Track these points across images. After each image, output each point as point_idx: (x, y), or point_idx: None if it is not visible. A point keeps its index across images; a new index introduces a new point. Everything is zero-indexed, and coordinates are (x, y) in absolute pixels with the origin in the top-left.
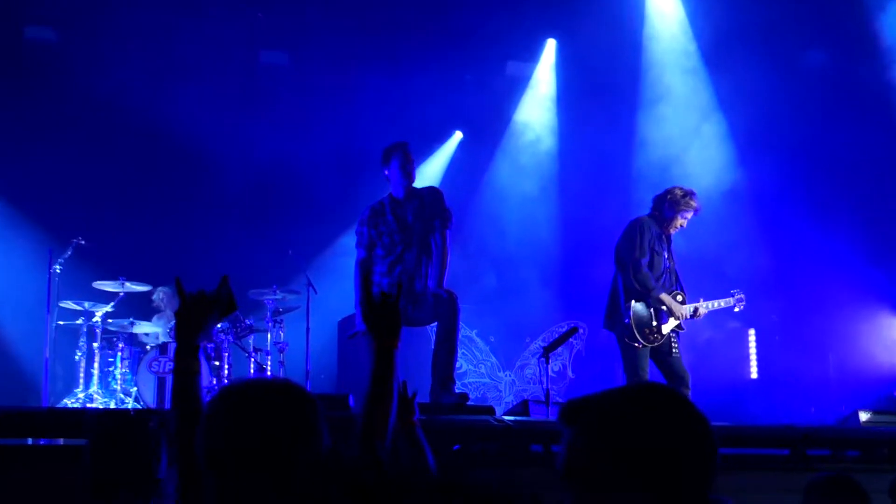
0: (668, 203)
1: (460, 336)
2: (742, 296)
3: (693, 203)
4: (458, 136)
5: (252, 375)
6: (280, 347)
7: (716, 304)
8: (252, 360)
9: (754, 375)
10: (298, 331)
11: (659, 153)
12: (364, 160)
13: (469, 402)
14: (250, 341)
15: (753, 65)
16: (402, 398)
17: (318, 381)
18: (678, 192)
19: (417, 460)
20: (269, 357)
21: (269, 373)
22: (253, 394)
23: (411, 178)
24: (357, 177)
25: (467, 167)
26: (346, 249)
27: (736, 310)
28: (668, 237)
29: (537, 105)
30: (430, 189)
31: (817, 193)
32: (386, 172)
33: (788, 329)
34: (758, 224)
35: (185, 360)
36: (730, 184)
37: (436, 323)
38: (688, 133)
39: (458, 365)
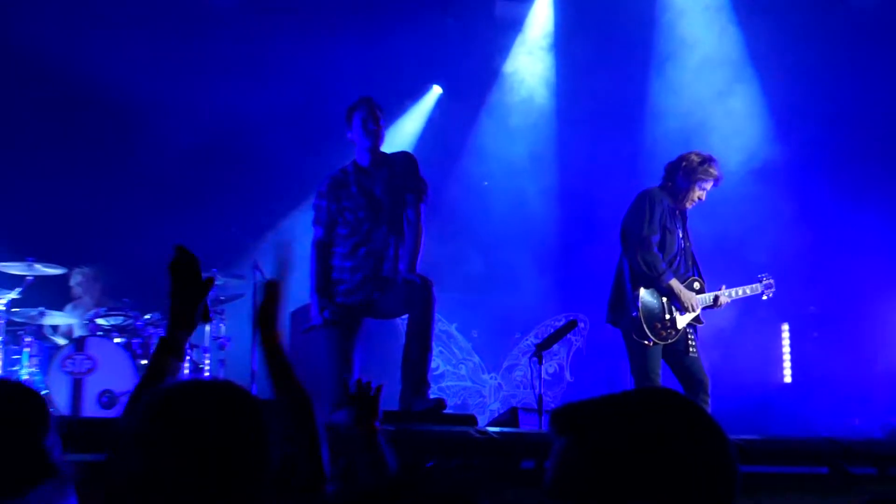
0: (683, 172)
1: (436, 331)
2: (771, 281)
3: (713, 171)
4: (436, 91)
5: (186, 377)
6: (220, 343)
7: (740, 292)
8: (188, 358)
9: (788, 379)
10: (243, 323)
11: (676, 116)
12: (326, 121)
13: (446, 410)
14: None
15: (792, 9)
16: (362, 397)
17: (266, 384)
18: (694, 158)
19: (377, 475)
20: (208, 354)
21: (207, 373)
22: (183, 401)
23: (377, 139)
24: (318, 142)
25: (447, 129)
26: (303, 227)
27: (764, 297)
28: (684, 213)
29: (531, 54)
30: (402, 155)
31: (867, 168)
32: (349, 135)
33: (829, 324)
34: (793, 201)
35: (169, 357)
36: (761, 156)
37: (407, 315)
38: (712, 95)
39: (433, 365)
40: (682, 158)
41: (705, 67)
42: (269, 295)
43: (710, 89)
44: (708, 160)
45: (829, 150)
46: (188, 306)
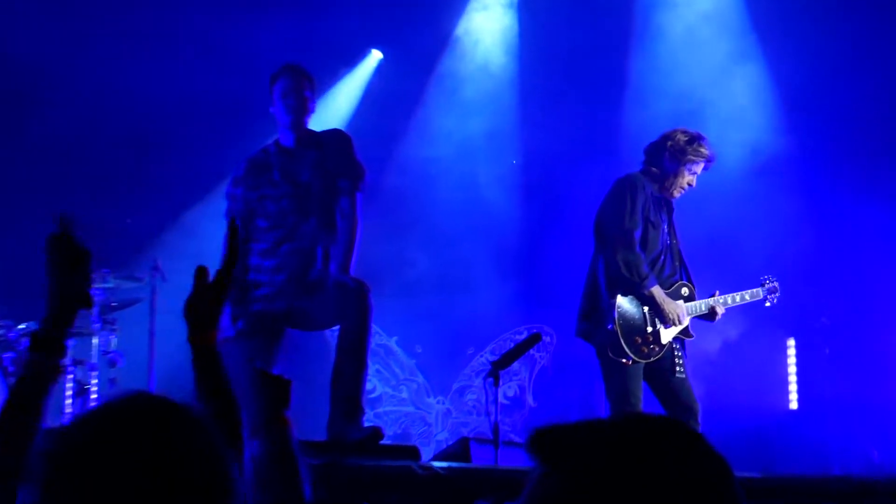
0: (670, 153)
1: (373, 345)
2: (775, 284)
3: (703, 150)
4: (375, 56)
5: (71, 399)
6: (111, 359)
7: (738, 298)
8: (70, 377)
9: (794, 405)
10: (139, 335)
11: (664, 89)
12: (244, 96)
13: (384, 440)
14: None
15: None
16: (266, 380)
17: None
18: (681, 137)
19: (286, 485)
20: (95, 373)
21: (93, 395)
22: (114, 432)
23: (302, 114)
24: (234, 120)
25: (388, 102)
26: (213, 221)
27: (767, 304)
28: (670, 203)
29: (487, 11)
30: (334, 134)
31: (885, 160)
32: (272, 109)
33: (842, 339)
34: (799, 195)
35: (43, 356)
36: (764, 142)
37: (338, 326)
38: (709, 66)
39: (369, 387)
40: (665, 137)
41: (701, 30)
42: (199, 283)
43: (707, 57)
44: (697, 138)
45: (841, 140)
46: (67, 288)
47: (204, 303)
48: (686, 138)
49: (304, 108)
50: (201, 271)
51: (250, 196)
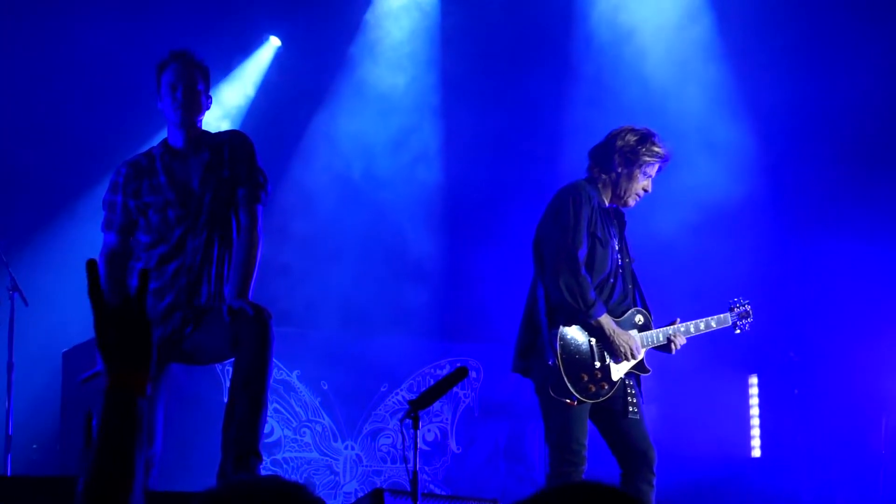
0: (620, 155)
1: (272, 381)
2: (747, 307)
3: (658, 149)
4: (272, 43)
5: None
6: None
7: (702, 326)
8: None
9: (756, 452)
10: None
11: (620, 93)
12: (122, 89)
13: None
14: None
15: None
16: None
17: (24, 456)
18: (630, 136)
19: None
20: None
21: None
22: None
23: (193, 111)
24: (117, 112)
25: (289, 95)
26: (87, 231)
27: (737, 331)
28: (622, 215)
29: None
30: (231, 136)
31: (860, 173)
32: (159, 105)
33: (814, 377)
34: (771, 213)
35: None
36: (726, 148)
37: (232, 358)
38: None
39: (266, 429)
40: (613, 137)
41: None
42: (96, 300)
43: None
44: (649, 135)
45: (815, 152)
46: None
47: (125, 328)
48: (636, 137)
49: (196, 103)
50: (95, 277)
51: (130, 204)
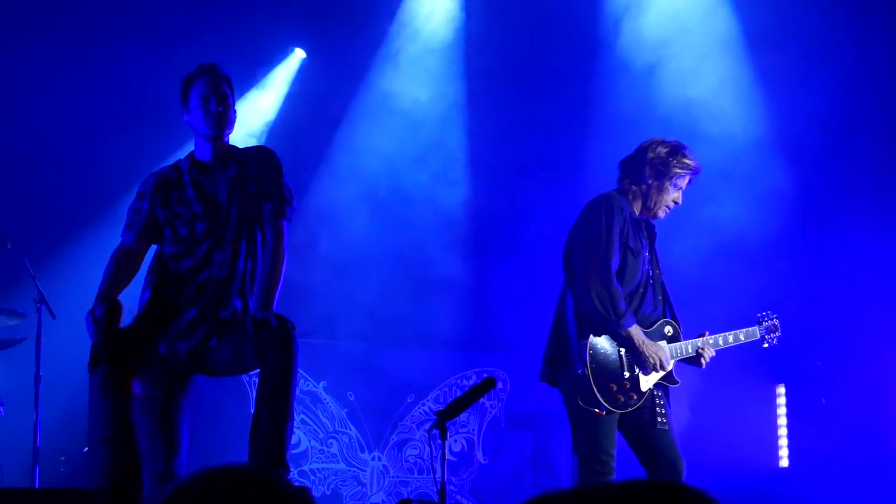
0: (651, 167)
1: (298, 392)
2: (775, 321)
3: (689, 161)
4: (297, 56)
5: None
6: None
7: (731, 339)
8: None
9: (784, 462)
10: (22, 381)
11: (641, 108)
12: (151, 102)
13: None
14: None
15: None
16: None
17: (52, 468)
18: (661, 148)
19: None
20: None
21: None
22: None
23: (223, 125)
24: (143, 128)
25: (313, 109)
26: (114, 243)
27: (765, 345)
28: (652, 227)
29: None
30: (258, 152)
31: (887, 182)
32: (185, 118)
33: (840, 386)
34: (798, 222)
35: None
36: (759, 165)
37: (257, 370)
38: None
39: (293, 440)
40: (644, 149)
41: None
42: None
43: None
44: (679, 147)
45: (846, 163)
46: None
47: None
48: (668, 149)
49: (227, 116)
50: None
51: (158, 213)
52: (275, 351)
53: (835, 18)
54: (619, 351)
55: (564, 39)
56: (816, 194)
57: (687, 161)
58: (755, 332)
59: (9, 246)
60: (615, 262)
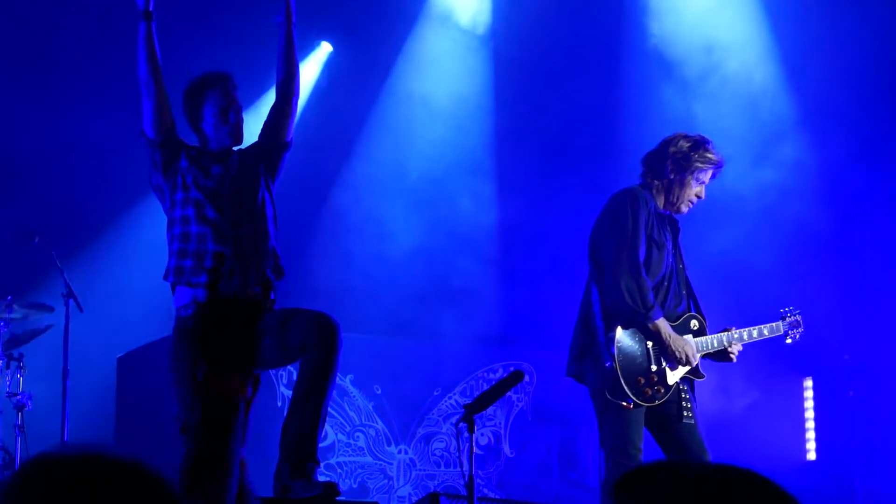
0: (673, 161)
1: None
2: (798, 318)
3: (711, 155)
4: (324, 49)
5: None
6: (18, 401)
7: (755, 333)
8: None
9: (811, 455)
10: (51, 374)
11: (668, 101)
12: (176, 99)
13: (341, 497)
14: None
15: None
16: None
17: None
18: (683, 142)
19: None
20: None
21: None
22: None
23: (241, 133)
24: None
25: (341, 102)
26: (142, 237)
27: (788, 340)
28: (675, 222)
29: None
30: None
31: None
32: (202, 125)
33: (868, 379)
34: (819, 205)
35: None
36: (783, 153)
37: (293, 364)
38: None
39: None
40: (666, 143)
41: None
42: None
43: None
44: (702, 142)
45: (875, 148)
46: None
47: None
48: (690, 143)
49: (241, 127)
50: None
51: (184, 167)
52: (320, 345)
53: None
54: (646, 344)
55: (592, 37)
56: (846, 187)
57: (709, 155)
58: (779, 327)
59: (37, 240)
60: (641, 255)
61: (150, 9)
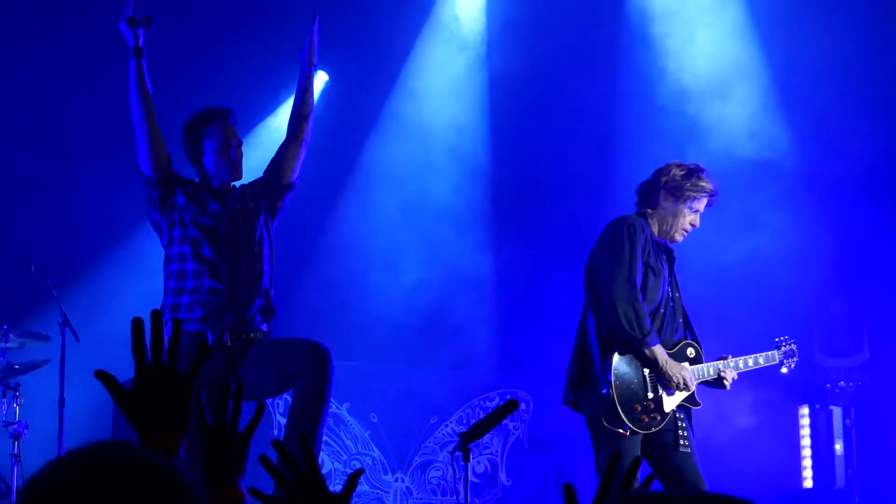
0: (666, 191)
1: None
2: (793, 347)
3: (705, 184)
4: (320, 78)
5: None
6: (14, 430)
7: (751, 362)
8: None
9: (808, 482)
10: (46, 403)
11: (664, 114)
12: (175, 125)
13: None
14: None
15: None
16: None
17: None
18: (676, 171)
19: None
20: None
21: None
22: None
23: (240, 168)
24: (171, 152)
25: (339, 130)
26: (139, 265)
27: (784, 370)
28: (671, 251)
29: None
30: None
31: None
32: (204, 159)
33: (865, 406)
34: (815, 224)
35: None
36: (779, 170)
37: (285, 393)
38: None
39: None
40: (659, 172)
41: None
42: (138, 357)
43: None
44: (695, 170)
45: (873, 165)
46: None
47: (228, 447)
48: (683, 172)
49: (241, 163)
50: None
51: (180, 202)
52: (312, 373)
53: None
54: (642, 371)
55: (588, 63)
56: (845, 207)
57: (702, 184)
58: (774, 356)
59: (33, 269)
60: (638, 281)
61: (141, 45)
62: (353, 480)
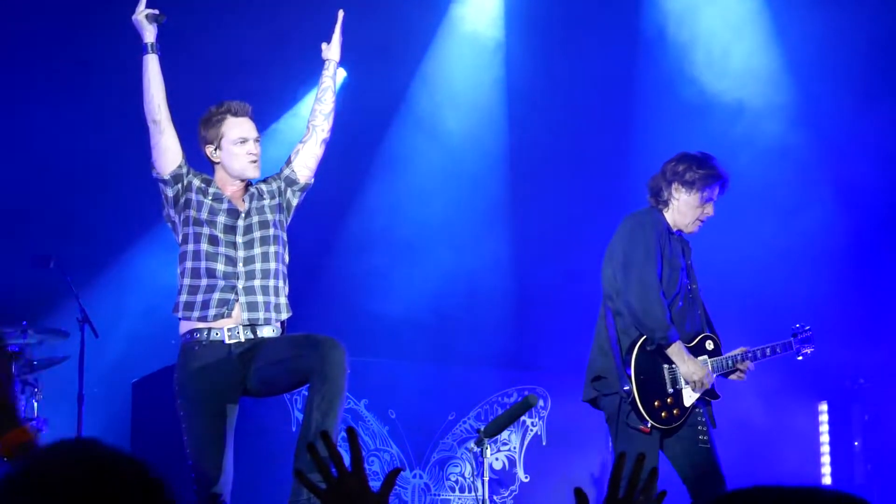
0: (679, 181)
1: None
2: (809, 333)
3: (716, 171)
4: (339, 75)
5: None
6: (33, 427)
7: (768, 352)
8: None
9: (827, 479)
10: (65, 399)
11: (685, 108)
12: (191, 123)
13: None
14: None
15: None
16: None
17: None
18: (685, 162)
19: None
20: None
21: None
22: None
23: (259, 165)
24: (188, 149)
25: (357, 126)
26: (157, 262)
27: (799, 358)
28: (687, 243)
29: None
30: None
31: None
32: (214, 153)
33: (884, 403)
34: (839, 228)
35: None
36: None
37: (303, 387)
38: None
39: None
40: (670, 166)
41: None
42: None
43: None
44: (703, 159)
45: (884, 170)
46: None
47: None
48: (692, 162)
49: (258, 159)
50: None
51: (198, 200)
52: (329, 369)
53: None
54: (662, 366)
55: (603, 72)
56: (859, 202)
57: (713, 172)
58: (790, 344)
59: (52, 265)
60: (657, 274)
61: (154, 40)
62: (391, 479)
